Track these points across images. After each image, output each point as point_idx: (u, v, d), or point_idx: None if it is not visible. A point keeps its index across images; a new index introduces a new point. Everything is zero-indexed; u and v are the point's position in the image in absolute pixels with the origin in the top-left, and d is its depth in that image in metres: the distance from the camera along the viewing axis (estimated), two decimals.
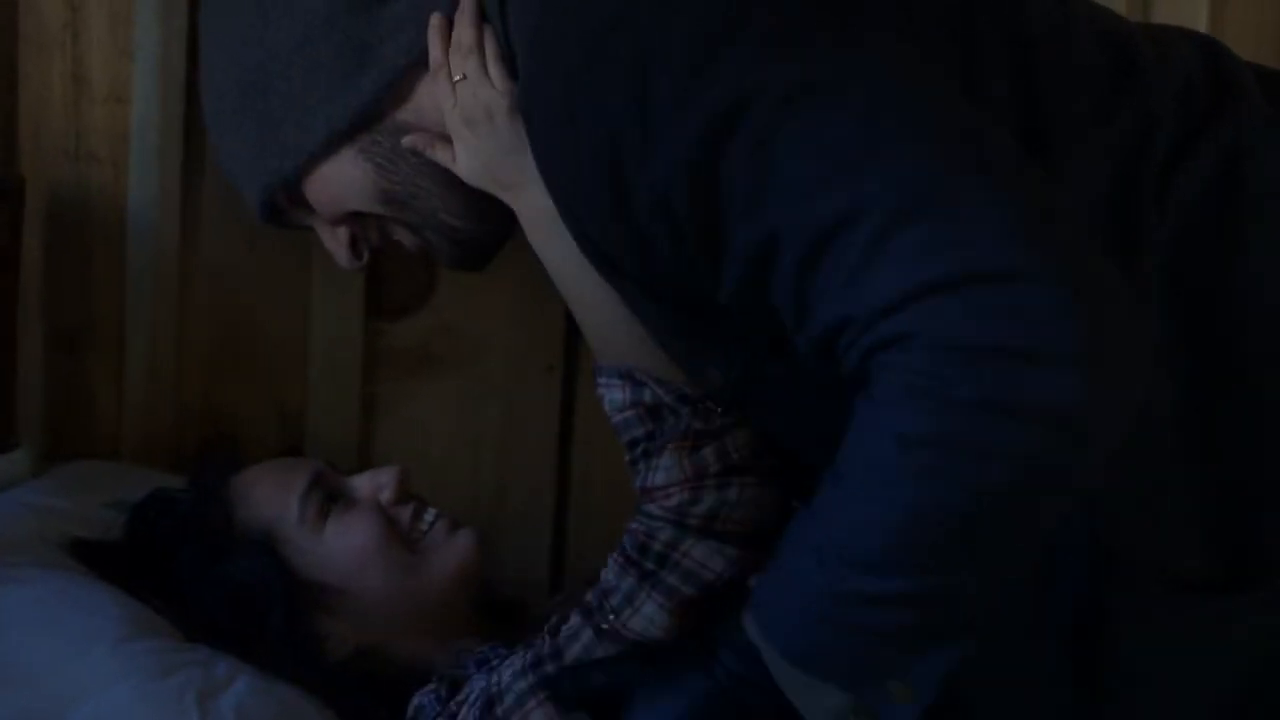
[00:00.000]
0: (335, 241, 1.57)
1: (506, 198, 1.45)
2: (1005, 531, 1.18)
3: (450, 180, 1.47)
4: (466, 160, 1.45)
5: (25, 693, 1.40)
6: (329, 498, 1.65)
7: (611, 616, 1.43)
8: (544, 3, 1.33)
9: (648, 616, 1.42)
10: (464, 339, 2.09)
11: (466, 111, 1.43)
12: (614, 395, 1.47)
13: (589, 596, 1.46)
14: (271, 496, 1.65)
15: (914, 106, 1.20)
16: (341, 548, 1.62)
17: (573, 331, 2.08)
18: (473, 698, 1.48)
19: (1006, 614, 1.27)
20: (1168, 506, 1.31)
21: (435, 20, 1.43)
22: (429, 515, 1.68)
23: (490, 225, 1.51)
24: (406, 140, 1.48)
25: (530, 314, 2.07)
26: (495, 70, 1.41)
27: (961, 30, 1.32)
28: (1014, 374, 1.11)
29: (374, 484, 1.68)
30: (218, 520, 1.64)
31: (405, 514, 1.67)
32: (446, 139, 1.47)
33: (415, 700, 1.56)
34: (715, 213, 1.23)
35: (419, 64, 1.45)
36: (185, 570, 1.61)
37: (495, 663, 1.55)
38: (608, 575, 1.46)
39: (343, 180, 1.49)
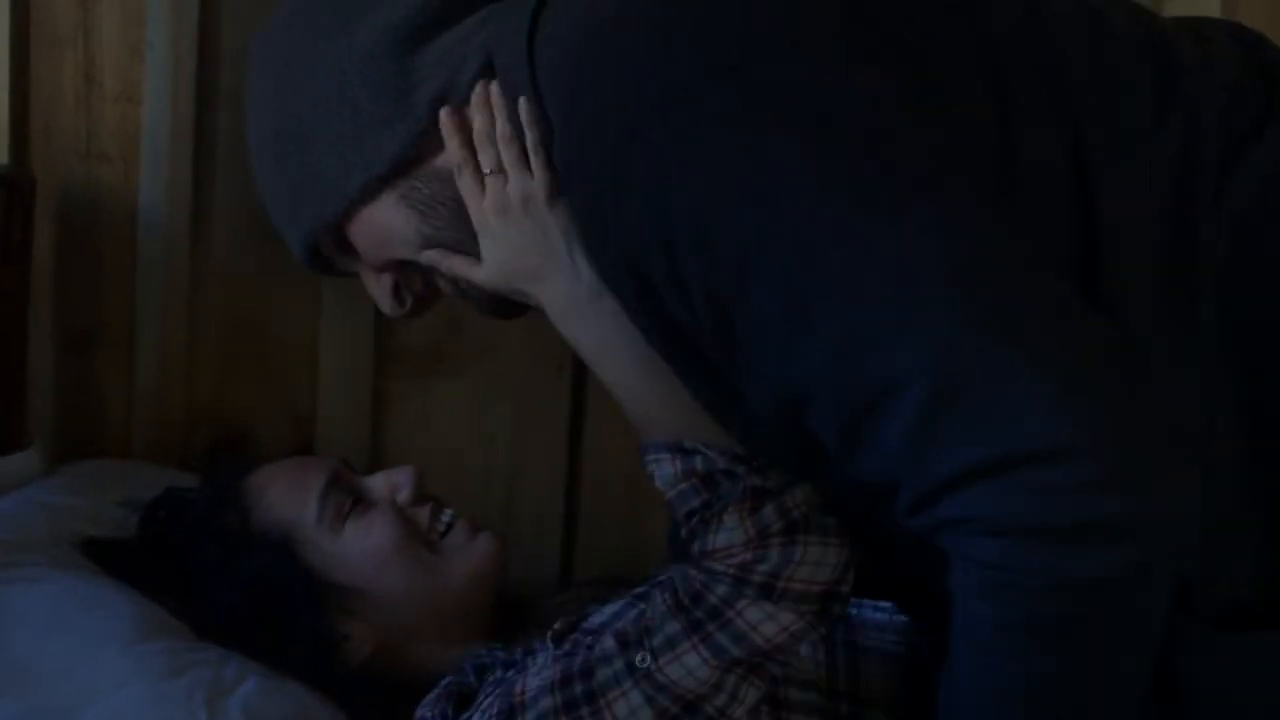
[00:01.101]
0: (379, 288, 1.55)
1: (534, 290, 1.43)
2: (1101, 687, 1.22)
3: None
4: (493, 253, 1.43)
5: (37, 692, 1.39)
6: (348, 498, 1.64)
7: (649, 657, 1.38)
8: (578, 79, 1.30)
9: (689, 668, 1.37)
10: (474, 338, 2.08)
11: (499, 203, 1.40)
12: (664, 470, 1.42)
13: (627, 626, 1.41)
14: (289, 497, 1.64)
15: (949, 255, 1.17)
16: (361, 548, 1.61)
17: None
18: (486, 703, 1.47)
19: None
20: (1229, 534, 1.29)
21: (446, 115, 1.41)
22: (446, 515, 1.67)
23: None
24: (424, 257, 1.47)
25: (541, 313, 2.07)
26: (536, 159, 1.38)
27: (989, 68, 1.29)
28: (1076, 552, 1.14)
29: (390, 484, 1.67)
30: (234, 520, 1.62)
31: (423, 514, 1.66)
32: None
33: (420, 712, 1.54)
34: (739, 341, 1.24)
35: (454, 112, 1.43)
36: (202, 570, 1.60)
37: (498, 671, 1.53)
38: (652, 610, 1.40)
39: (386, 226, 1.47)
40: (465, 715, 1.48)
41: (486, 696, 1.47)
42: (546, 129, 1.35)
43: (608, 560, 1.93)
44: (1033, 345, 1.15)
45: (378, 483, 1.68)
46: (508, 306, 1.53)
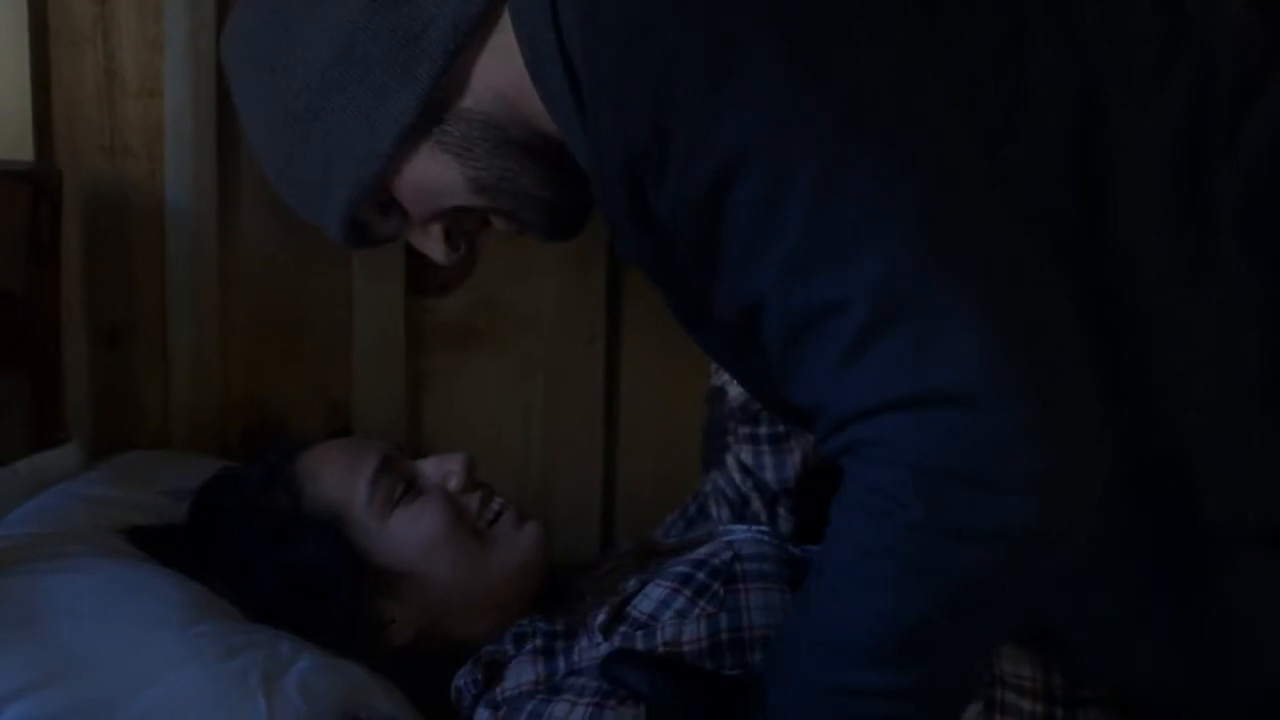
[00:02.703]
0: (429, 239, 1.54)
1: None
2: (966, 629, 1.21)
3: (525, 155, 1.45)
4: None
5: (91, 680, 1.38)
6: (398, 483, 1.63)
7: None
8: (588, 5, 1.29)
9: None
10: (507, 313, 2.09)
11: None
12: None
13: None
14: (340, 479, 1.63)
15: (916, 190, 1.17)
16: (410, 534, 1.61)
17: (614, 301, 2.10)
18: (527, 680, 1.49)
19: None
20: (1257, 459, 1.29)
21: None
22: (496, 504, 1.66)
23: (578, 189, 1.47)
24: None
25: (572, 285, 2.07)
26: None
27: (1007, 4, 1.29)
28: (964, 500, 1.13)
29: (442, 470, 1.66)
30: (284, 501, 1.62)
31: (473, 502, 1.65)
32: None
33: (455, 682, 1.56)
34: (713, 249, 1.23)
35: (465, 47, 1.41)
36: (250, 551, 1.60)
37: (537, 640, 1.55)
38: None
39: (431, 177, 1.46)
40: (502, 688, 1.51)
41: (524, 669, 1.50)
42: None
43: (647, 530, 1.94)
44: (975, 293, 1.14)
45: (429, 469, 1.67)
46: (568, 225, 1.53)
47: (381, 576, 1.60)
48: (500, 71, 1.42)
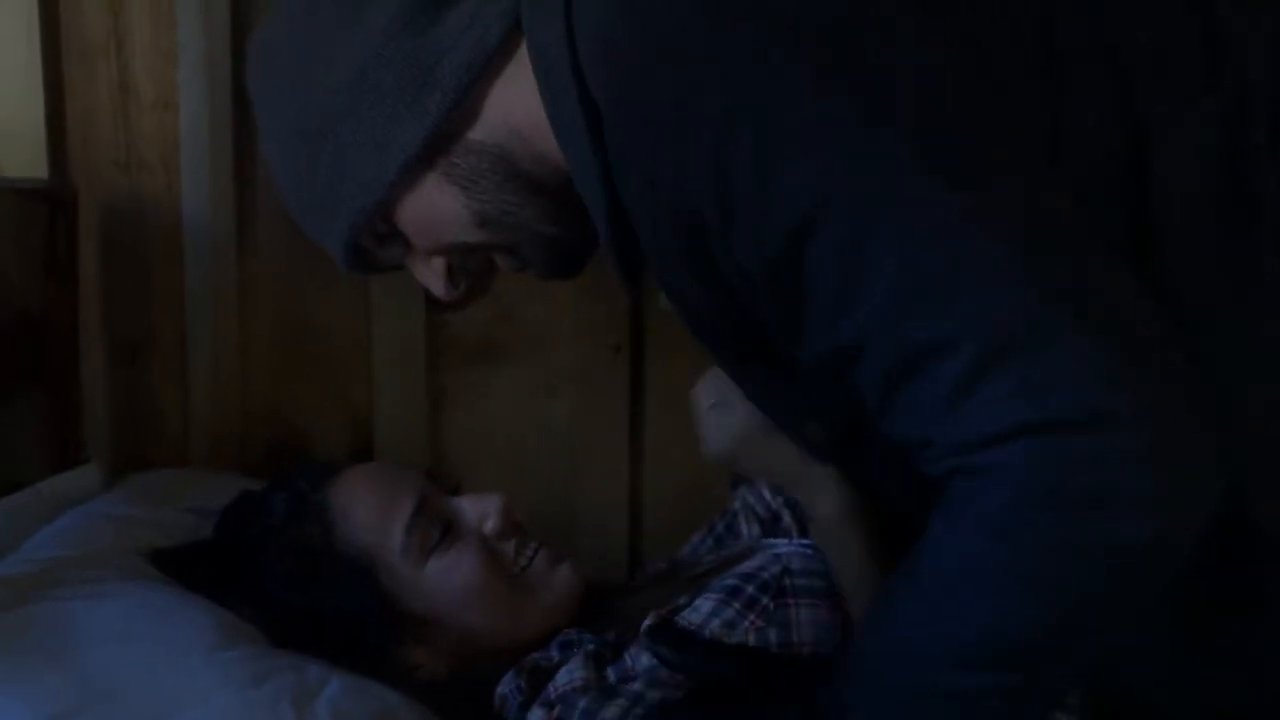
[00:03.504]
0: (431, 273, 1.52)
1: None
2: (1070, 640, 1.23)
3: (532, 190, 1.43)
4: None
5: (122, 707, 1.34)
6: (435, 529, 1.60)
7: None
8: (625, 31, 1.28)
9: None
10: (527, 325, 2.07)
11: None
12: None
13: None
14: (375, 520, 1.60)
15: (1006, 219, 1.19)
16: (444, 583, 1.58)
17: (639, 310, 2.08)
18: (580, 679, 1.48)
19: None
20: None
21: None
22: (530, 549, 1.64)
23: (581, 227, 1.44)
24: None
25: (594, 295, 2.05)
26: None
27: (1044, 31, 1.29)
28: (1087, 519, 1.16)
29: (479, 513, 1.64)
30: (315, 537, 1.60)
31: (509, 548, 1.63)
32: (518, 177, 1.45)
33: (499, 689, 1.55)
34: (799, 295, 1.24)
35: (480, 79, 1.40)
36: (278, 585, 1.58)
37: (587, 645, 1.53)
38: None
39: (435, 208, 1.44)
40: (548, 697, 1.49)
41: (575, 668, 1.49)
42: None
43: (674, 542, 1.92)
44: (1088, 317, 1.16)
45: (465, 509, 1.65)
46: (569, 263, 1.51)
47: (412, 622, 1.58)
48: (515, 103, 1.41)
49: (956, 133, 1.22)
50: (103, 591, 1.54)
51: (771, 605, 1.50)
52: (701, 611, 1.50)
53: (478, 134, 1.42)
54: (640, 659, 1.49)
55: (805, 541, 1.65)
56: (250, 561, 1.61)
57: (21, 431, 1.86)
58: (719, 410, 1.52)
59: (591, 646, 1.54)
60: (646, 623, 1.50)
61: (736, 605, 1.49)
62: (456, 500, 1.66)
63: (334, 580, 1.57)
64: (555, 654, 1.57)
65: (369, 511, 1.61)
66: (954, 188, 1.19)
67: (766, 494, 1.78)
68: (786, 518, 1.76)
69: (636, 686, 1.45)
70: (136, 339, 1.98)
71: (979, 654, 1.23)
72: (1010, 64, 1.27)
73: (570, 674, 1.50)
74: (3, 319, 1.80)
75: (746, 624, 1.48)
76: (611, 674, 1.50)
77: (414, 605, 1.58)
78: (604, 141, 1.32)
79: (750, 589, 1.51)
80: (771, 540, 1.69)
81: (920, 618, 1.25)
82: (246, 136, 1.92)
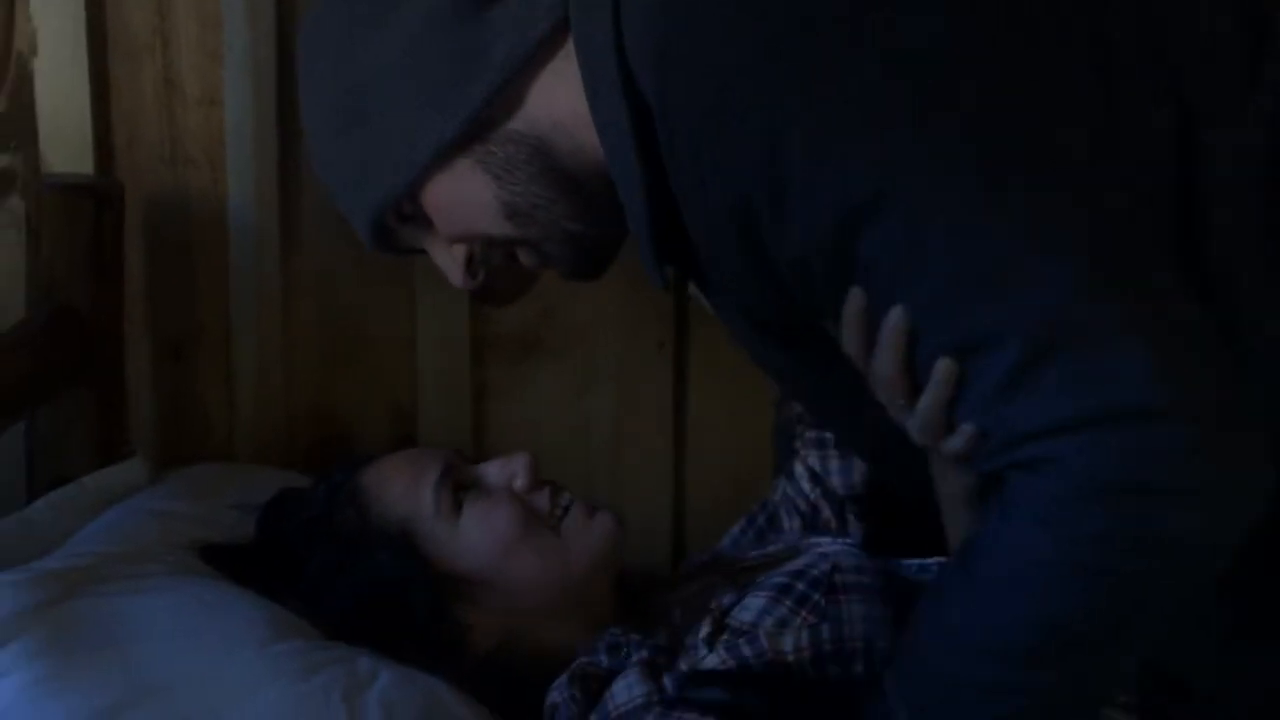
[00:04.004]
0: (451, 260, 1.51)
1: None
2: (1121, 633, 1.25)
3: (566, 185, 1.43)
4: None
5: (175, 701, 1.37)
6: (462, 488, 1.62)
7: None
8: (674, 27, 1.29)
9: None
10: (571, 321, 2.07)
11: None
12: None
13: None
14: (405, 491, 1.62)
15: (1059, 214, 1.21)
16: (481, 536, 1.59)
17: (683, 308, 2.08)
18: (633, 711, 1.46)
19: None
20: None
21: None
22: (564, 499, 1.64)
23: (608, 227, 1.46)
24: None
25: (637, 292, 2.03)
26: None
27: (1095, 33, 1.29)
28: (1142, 509, 1.17)
29: (506, 472, 1.64)
30: (351, 518, 1.61)
31: (542, 499, 1.63)
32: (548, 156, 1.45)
33: (550, 698, 1.53)
34: (850, 285, 1.26)
35: (525, 70, 1.40)
36: (323, 570, 1.58)
37: (642, 653, 1.53)
38: None
39: (465, 194, 1.44)
40: (611, 702, 1.49)
41: (634, 683, 1.49)
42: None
43: (717, 538, 1.92)
44: (1140, 313, 1.18)
45: (493, 471, 1.66)
46: (592, 263, 1.52)
47: (457, 583, 1.58)
48: (559, 95, 1.41)
49: (1011, 127, 1.23)
50: (151, 586, 1.55)
51: (823, 601, 1.50)
52: (752, 610, 1.50)
53: (518, 124, 1.42)
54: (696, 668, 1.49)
55: (849, 540, 1.66)
56: (293, 555, 1.62)
57: (67, 426, 1.87)
58: None
59: (645, 654, 1.54)
60: (704, 645, 1.50)
61: (788, 603, 1.49)
62: (483, 465, 1.68)
63: (375, 556, 1.58)
64: (604, 658, 1.56)
65: (399, 485, 1.63)
66: (1008, 182, 1.21)
67: (805, 486, 1.78)
68: (826, 510, 1.76)
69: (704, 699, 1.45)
70: (181, 334, 1.99)
71: (1027, 647, 1.23)
72: (1062, 59, 1.28)
73: (629, 690, 1.49)
74: (49, 314, 1.82)
75: (799, 621, 1.49)
76: (669, 683, 1.49)
77: (456, 564, 1.59)
78: (648, 135, 1.33)
79: (801, 585, 1.51)
80: (816, 539, 1.69)
81: (971, 609, 1.26)
82: (291, 134, 1.92)
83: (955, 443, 1.25)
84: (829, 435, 1.77)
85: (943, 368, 1.23)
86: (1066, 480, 1.18)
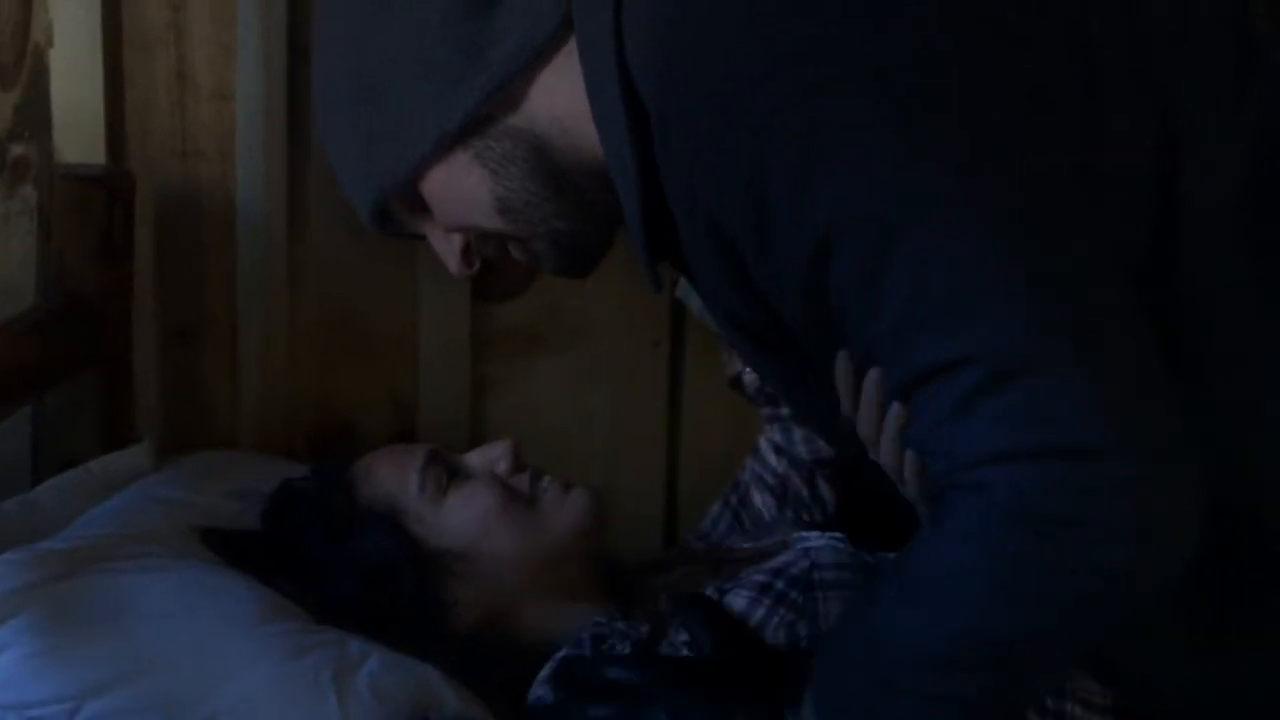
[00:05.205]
0: (448, 247, 1.55)
1: None
2: (1041, 652, 1.27)
3: (559, 183, 1.46)
4: None
5: (170, 676, 1.42)
6: (447, 473, 1.68)
7: None
8: (673, 40, 1.32)
9: None
10: (570, 318, 2.10)
11: None
12: None
13: None
14: (391, 475, 1.68)
15: (1019, 251, 1.22)
16: (464, 514, 1.65)
17: (679, 307, 2.11)
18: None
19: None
20: None
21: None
22: (544, 481, 1.70)
23: (597, 226, 1.50)
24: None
25: (634, 290, 2.02)
26: None
27: (1080, 40, 1.30)
28: (1074, 541, 1.19)
29: (488, 458, 1.71)
30: (341, 502, 1.67)
31: (523, 481, 1.69)
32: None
33: (533, 692, 1.56)
34: (826, 307, 1.29)
35: (529, 67, 1.43)
36: (314, 552, 1.64)
37: (612, 641, 1.56)
38: None
39: (461, 188, 1.47)
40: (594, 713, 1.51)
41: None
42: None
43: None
44: (1087, 349, 1.20)
45: (475, 458, 1.72)
46: (580, 262, 1.55)
47: (442, 559, 1.64)
48: (560, 93, 1.44)
49: (979, 157, 1.24)
50: (153, 566, 1.58)
51: (801, 599, 1.53)
52: (734, 610, 1.54)
53: (518, 120, 1.45)
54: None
55: (836, 534, 1.68)
56: (289, 539, 1.68)
57: (75, 411, 1.91)
58: None
59: (628, 647, 1.56)
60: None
61: (767, 601, 1.53)
62: (468, 454, 1.74)
63: (363, 535, 1.64)
64: (588, 650, 1.59)
65: (386, 470, 1.70)
66: (971, 214, 1.23)
67: (772, 460, 1.82)
68: (794, 479, 1.79)
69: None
70: (189, 323, 2.01)
71: (949, 658, 1.25)
72: (1047, 85, 1.29)
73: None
74: (59, 301, 1.85)
75: (776, 619, 1.52)
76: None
77: (441, 541, 1.64)
78: (645, 138, 1.35)
79: (779, 584, 1.55)
80: (804, 535, 1.71)
81: (896, 616, 1.28)
82: (300, 129, 1.95)
83: (906, 472, 1.28)
84: (785, 410, 1.81)
85: (894, 412, 1.27)
86: (994, 507, 1.20)
